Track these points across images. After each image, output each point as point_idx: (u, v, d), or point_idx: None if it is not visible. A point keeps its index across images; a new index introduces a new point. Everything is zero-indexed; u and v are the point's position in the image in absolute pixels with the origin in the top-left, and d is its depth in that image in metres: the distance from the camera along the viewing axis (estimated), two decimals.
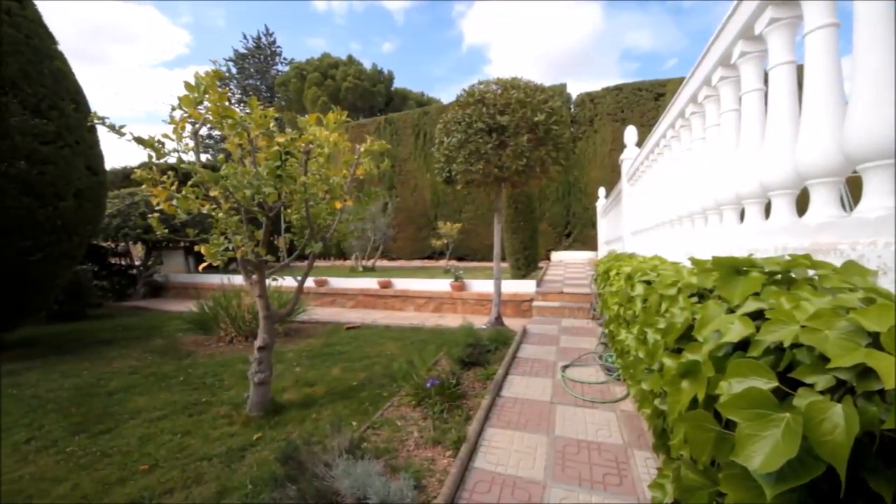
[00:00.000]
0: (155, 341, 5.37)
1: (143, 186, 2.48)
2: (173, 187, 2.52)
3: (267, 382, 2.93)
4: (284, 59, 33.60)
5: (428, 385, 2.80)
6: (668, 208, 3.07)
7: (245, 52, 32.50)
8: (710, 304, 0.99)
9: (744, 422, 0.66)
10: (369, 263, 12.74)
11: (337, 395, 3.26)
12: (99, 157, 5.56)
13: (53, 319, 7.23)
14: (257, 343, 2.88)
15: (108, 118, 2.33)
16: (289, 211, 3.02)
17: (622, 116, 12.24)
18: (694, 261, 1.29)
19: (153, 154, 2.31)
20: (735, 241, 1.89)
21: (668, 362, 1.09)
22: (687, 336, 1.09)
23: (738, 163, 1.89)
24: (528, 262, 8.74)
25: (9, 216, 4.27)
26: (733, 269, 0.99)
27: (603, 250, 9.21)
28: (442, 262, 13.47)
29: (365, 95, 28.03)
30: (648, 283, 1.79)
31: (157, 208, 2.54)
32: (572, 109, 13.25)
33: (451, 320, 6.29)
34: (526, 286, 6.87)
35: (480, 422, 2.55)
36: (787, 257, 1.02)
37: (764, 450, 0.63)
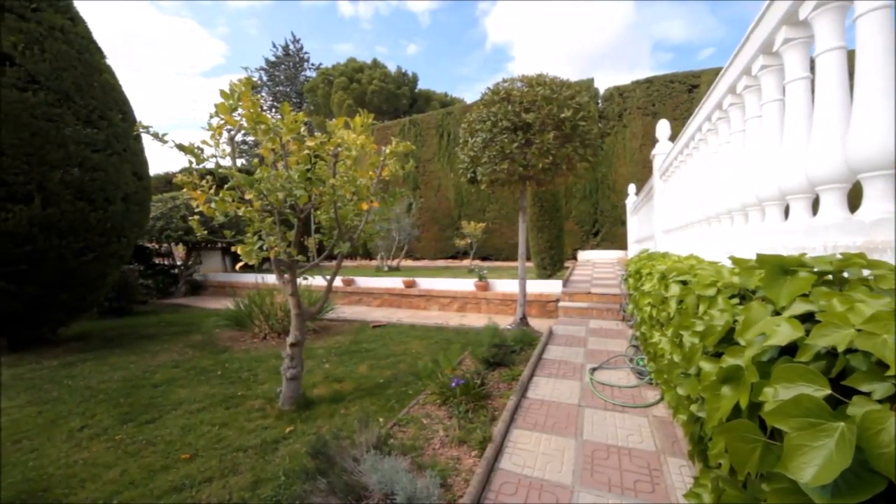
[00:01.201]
0: (195, 337, 5.66)
1: (184, 190, 2.62)
2: (211, 191, 2.65)
3: (298, 378, 3.02)
4: (312, 65, 34.60)
5: (453, 384, 2.81)
6: (704, 205, 2.94)
7: (275, 60, 33.68)
8: (753, 305, 0.94)
9: (793, 431, 0.63)
10: (394, 263, 12.90)
11: (364, 392, 3.33)
12: (144, 164, 5.92)
13: (104, 315, 7.77)
14: (289, 339, 2.98)
15: (151, 127, 2.48)
16: (318, 212, 3.10)
17: (653, 110, 11.81)
18: (735, 260, 1.23)
19: (193, 160, 2.44)
20: (779, 239, 1.78)
21: (707, 367, 1.04)
22: (727, 339, 1.04)
23: (781, 156, 1.78)
24: (553, 262, 8.58)
25: (65, 219, 4.62)
26: (779, 268, 0.93)
27: (633, 249, 8.92)
28: (466, 262, 13.47)
29: (390, 98, 28.42)
30: (684, 283, 1.72)
31: (196, 211, 2.67)
32: (600, 104, 12.91)
33: (476, 320, 6.27)
34: (551, 286, 6.75)
35: (506, 423, 2.53)
36: (839, 256, 0.96)
37: (816, 461, 0.59)
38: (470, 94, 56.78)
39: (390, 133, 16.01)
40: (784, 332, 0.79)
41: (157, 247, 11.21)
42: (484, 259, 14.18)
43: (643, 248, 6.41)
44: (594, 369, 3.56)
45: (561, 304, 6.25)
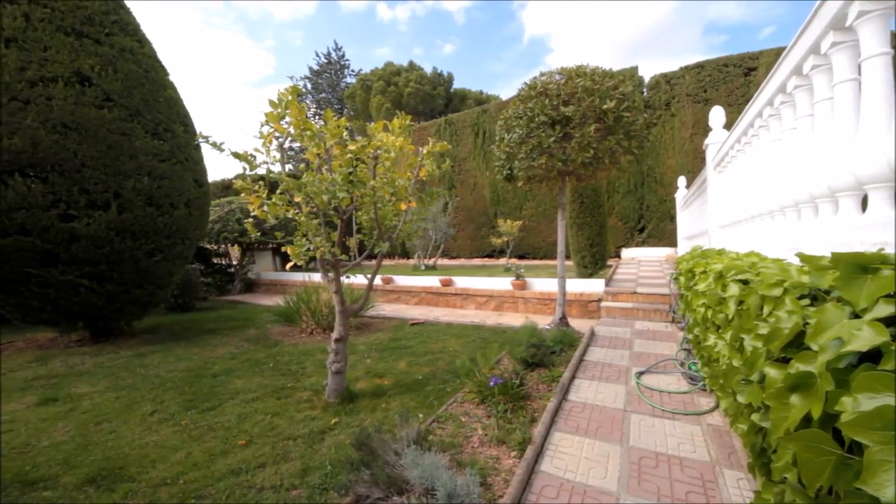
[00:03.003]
0: (249, 331, 6.06)
1: (242, 195, 2.82)
2: (264, 195, 2.83)
3: (342, 372, 3.14)
4: (352, 71, 35.71)
5: (491, 384, 2.79)
6: (766, 198, 2.70)
7: (318, 68, 35.12)
8: (827, 307, 0.85)
9: (875, 445, 0.57)
10: (431, 262, 13.03)
11: (404, 388, 3.40)
12: (203, 172, 6.42)
13: (170, 310, 8.51)
14: (334, 335, 3.11)
15: (210, 137, 2.68)
16: (359, 213, 3.21)
17: (704, 97, 11.04)
18: (804, 257, 1.12)
19: (247, 166, 2.61)
20: (855, 234, 1.61)
21: (773, 373, 0.96)
22: (795, 344, 0.96)
23: (857, 142, 1.60)
24: (594, 260, 8.28)
25: (137, 224, 5.12)
26: (858, 266, 0.84)
27: (684, 246, 8.40)
28: (502, 261, 13.33)
29: (426, 99, 28.77)
30: (745, 282, 1.60)
31: (252, 214, 2.86)
32: (645, 93, 12.27)
33: (513, 319, 6.20)
34: (593, 285, 6.52)
35: (546, 425, 2.49)
36: None
37: None
38: (506, 90, 56.21)
39: (427, 133, 16.19)
40: (865, 337, 0.71)
41: (215, 248, 12.10)
42: (521, 258, 13.97)
43: (695, 244, 6.02)
44: (641, 373, 3.39)
45: (603, 303, 6.01)
